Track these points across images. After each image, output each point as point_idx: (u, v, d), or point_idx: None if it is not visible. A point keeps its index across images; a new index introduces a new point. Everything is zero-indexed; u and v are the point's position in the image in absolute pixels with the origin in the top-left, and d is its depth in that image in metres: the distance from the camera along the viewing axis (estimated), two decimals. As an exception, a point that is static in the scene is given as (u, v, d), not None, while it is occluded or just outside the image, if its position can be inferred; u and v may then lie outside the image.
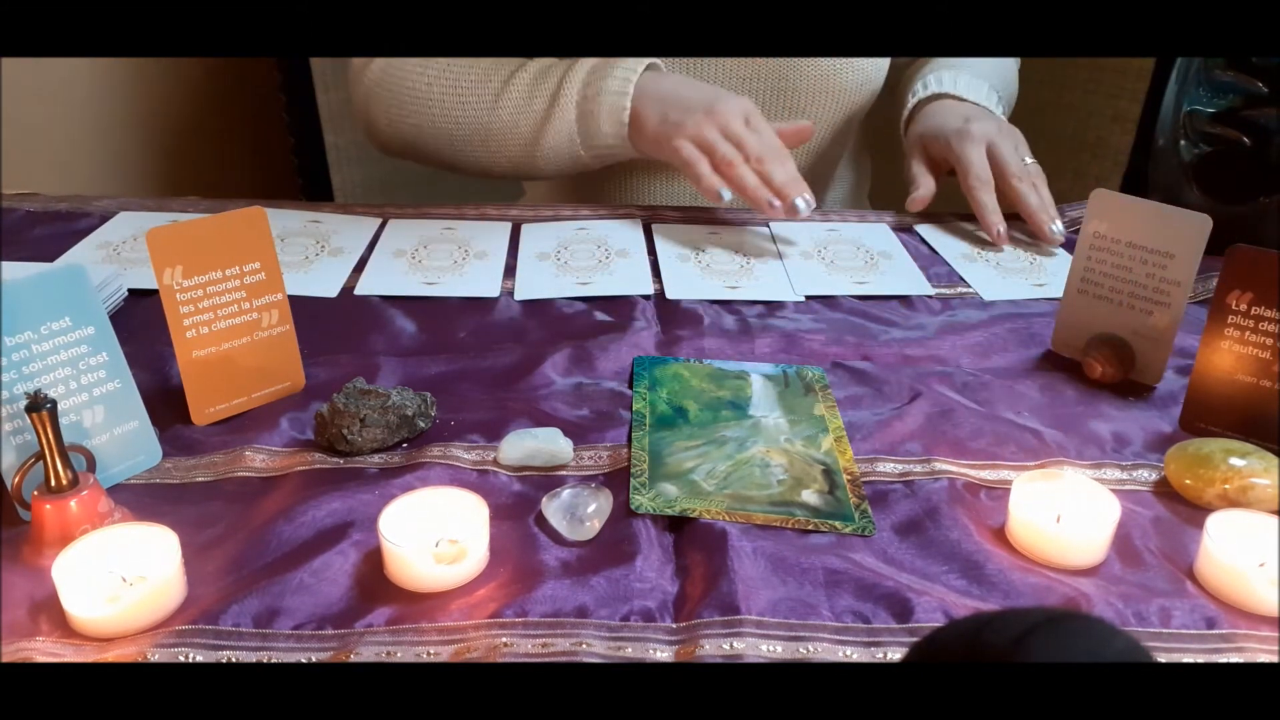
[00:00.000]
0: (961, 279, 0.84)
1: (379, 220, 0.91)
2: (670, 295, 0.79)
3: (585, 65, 0.88)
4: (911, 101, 0.99)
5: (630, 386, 0.65)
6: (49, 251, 0.82)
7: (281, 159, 1.52)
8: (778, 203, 0.81)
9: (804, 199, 0.82)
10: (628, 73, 0.86)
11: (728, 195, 0.82)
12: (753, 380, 0.65)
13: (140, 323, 0.69)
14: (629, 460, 0.56)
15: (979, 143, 0.90)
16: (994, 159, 0.90)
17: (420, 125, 0.93)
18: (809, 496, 0.54)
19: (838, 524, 0.52)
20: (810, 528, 0.52)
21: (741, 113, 0.84)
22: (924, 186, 0.93)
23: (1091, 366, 0.67)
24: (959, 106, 0.95)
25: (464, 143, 0.92)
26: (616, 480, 0.55)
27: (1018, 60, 1.11)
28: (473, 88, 0.89)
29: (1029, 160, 0.91)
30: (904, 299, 0.80)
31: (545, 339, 0.71)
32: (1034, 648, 0.29)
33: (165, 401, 0.60)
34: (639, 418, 0.60)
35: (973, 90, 0.97)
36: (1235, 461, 0.55)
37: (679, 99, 0.85)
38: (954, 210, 0.98)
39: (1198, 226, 0.63)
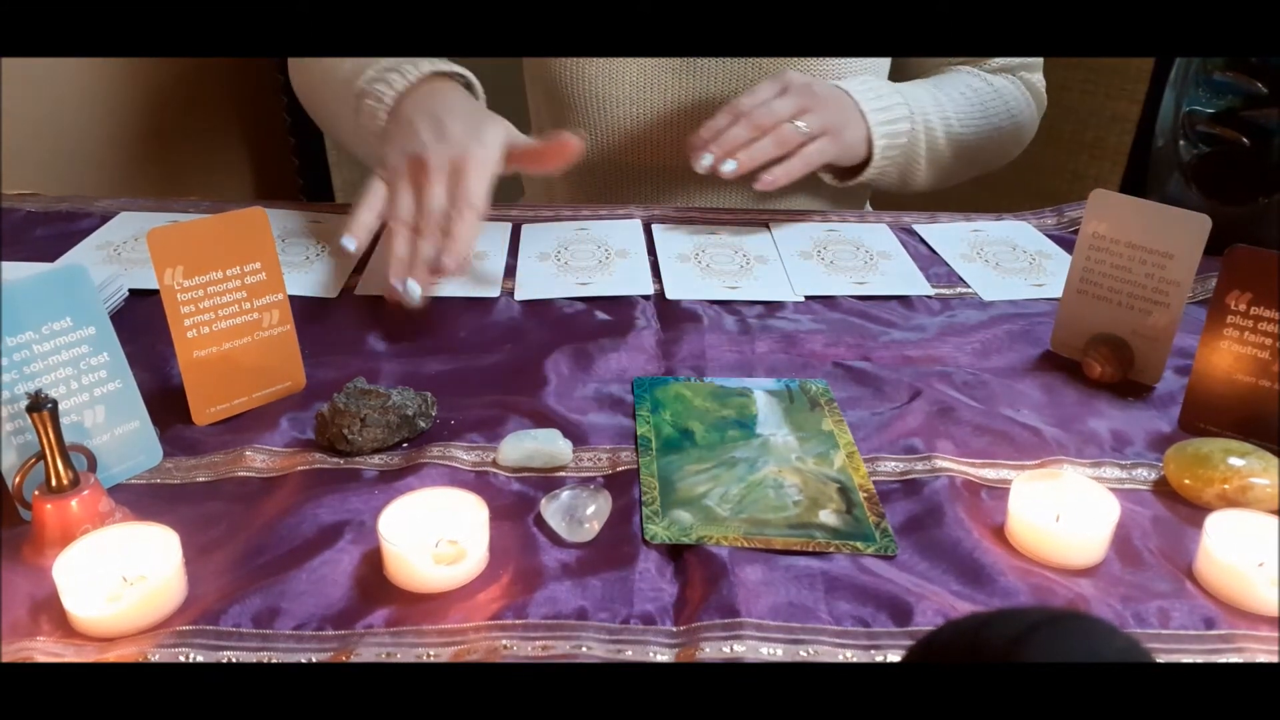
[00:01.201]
0: (961, 279, 0.84)
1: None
2: (670, 295, 0.79)
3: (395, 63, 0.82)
4: None
5: (630, 391, 0.65)
6: (50, 252, 0.82)
7: (282, 160, 1.52)
8: (398, 283, 0.69)
9: (412, 284, 0.68)
10: (409, 72, 0.79)
11: (351, 247, 0.71)
12: (756, 397, 0.64)
13: (141, 323, 0.69)
14: (637, 476, 0.56)
15: (776, 82, 0.84)
16: (775, 100, 0.83)
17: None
18: (827, 517, 0.53)
19: (859, 545, 0.51)
20: (831, 550, 0.50)
21: (451, 160, 0.72)
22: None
23: (1091, 366, 0.67)
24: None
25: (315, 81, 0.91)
26: (616, 482, 0.55)
27: (1017, 98, 1.02)
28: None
29: (800, 124, 0.82)
30: (904, 299, 0.80)
31: (545, 339, 0.71)
32: (1033, 647, 0.29)
33: (166, 401, 0.60)
34: (644, 442, 0.59)
35: (867, 90, 0.89)
36: (1234, 461, 0.55)
37: (429, 118, 0.75)
38: (953, 210, 0.98)
39: (1197, 227, 0.63)
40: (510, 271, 0.82)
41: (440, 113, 0.76)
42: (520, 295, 0.78)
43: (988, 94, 0.98)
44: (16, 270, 0.77)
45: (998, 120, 0.99)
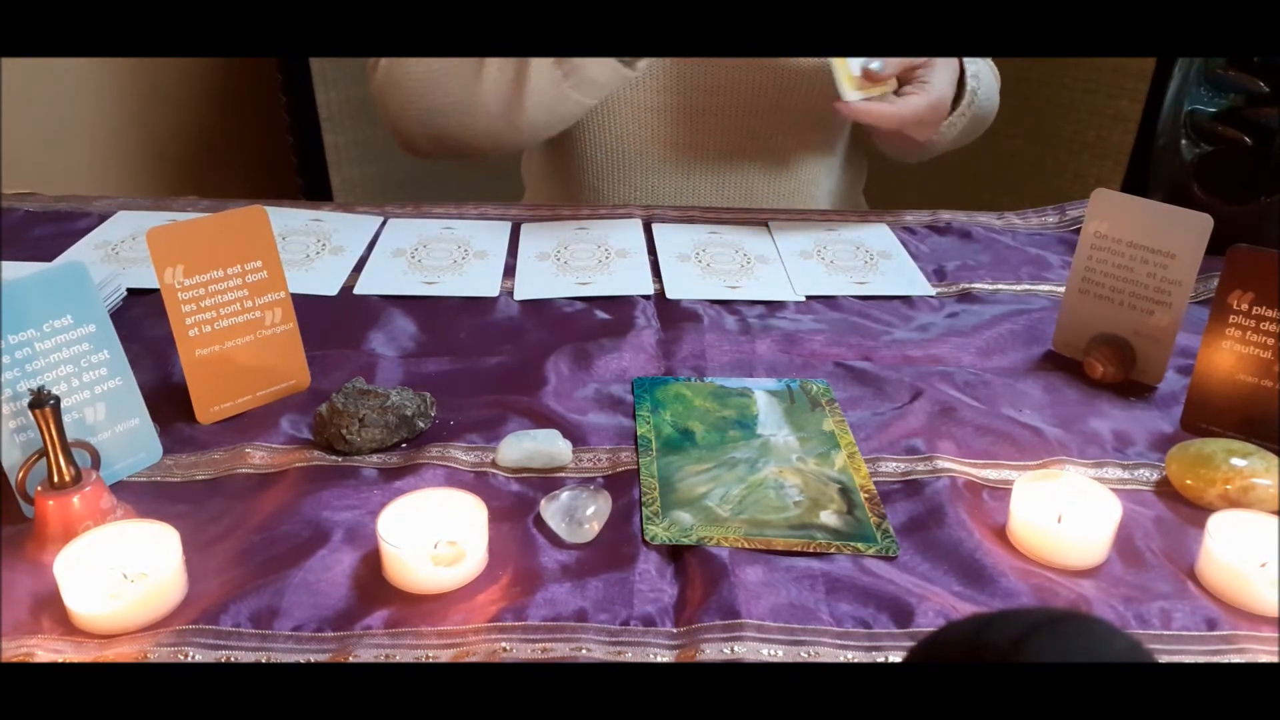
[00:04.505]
0: (963, 280, 0.84)
1: (380, 219, 0.91)
2: (670, 295, 0.79)
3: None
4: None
5: (631, 391, 0.65)
6: (48, 251, 0.82)
7: (281, 159, 1.52)
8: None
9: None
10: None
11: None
12: (757, 397, 0.64)
13: (139, 322, 0.69)
14: (637, 476, 0.56)
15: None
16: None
17: (425, 108, 0.91)
18: (828, 518, 0.53)
19: (860, 545, 0.51)
20: (832, 550, 0.50)
21: None
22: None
23: (1093, 366, 0.67)
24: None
25: (460, 112, 0.90)
26: (616, 482, 0.55)
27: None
28: (456, 67, 0.88)
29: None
30: (905, 299, 0.80)
31: (545, 339, 0.71)
32: (1035, 648, 0.29)
33: (166, 400, 0.60)
34: (645, 442, 0.59)
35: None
36: (1236, 462, 0.55)
37: None
38: (954, 209, 0.98)
39: (1199, 226, 0.62)
40: (510, 271, 0.82)
41: None
42: (520, 295, 0.78)
43: (987, 73, 1.00)
44: (15, 270, 0.76)
45: (995, 98, 1.01)
